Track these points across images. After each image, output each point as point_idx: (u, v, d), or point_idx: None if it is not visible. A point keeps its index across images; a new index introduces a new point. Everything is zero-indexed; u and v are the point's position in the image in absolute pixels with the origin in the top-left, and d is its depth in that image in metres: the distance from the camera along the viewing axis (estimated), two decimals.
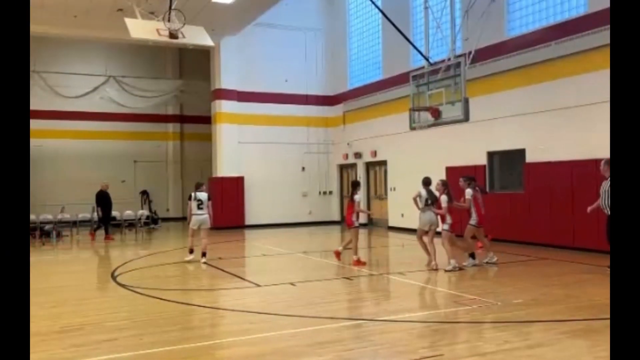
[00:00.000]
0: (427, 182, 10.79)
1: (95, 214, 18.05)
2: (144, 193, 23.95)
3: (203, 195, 12.04)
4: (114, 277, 10.02)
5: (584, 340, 5.70)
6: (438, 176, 16.15)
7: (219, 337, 6.35)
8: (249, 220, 20.58)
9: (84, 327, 6.46)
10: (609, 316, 6.49)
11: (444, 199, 10.37)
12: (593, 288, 8.31)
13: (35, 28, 18.03)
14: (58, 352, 5.44)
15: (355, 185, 11.61)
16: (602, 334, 5.84)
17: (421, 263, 10.70)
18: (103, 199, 17.54)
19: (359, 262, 10.80)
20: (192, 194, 12.13)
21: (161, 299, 8.03)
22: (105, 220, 17.51)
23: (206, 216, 11.99)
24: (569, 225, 12.39)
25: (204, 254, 11.84)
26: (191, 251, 12.03)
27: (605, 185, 9.26)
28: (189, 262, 11.79)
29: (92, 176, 22.03)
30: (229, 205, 20.27)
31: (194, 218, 11.97)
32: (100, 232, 17.42)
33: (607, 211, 9.11)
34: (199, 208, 11.95)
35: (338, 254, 11.37)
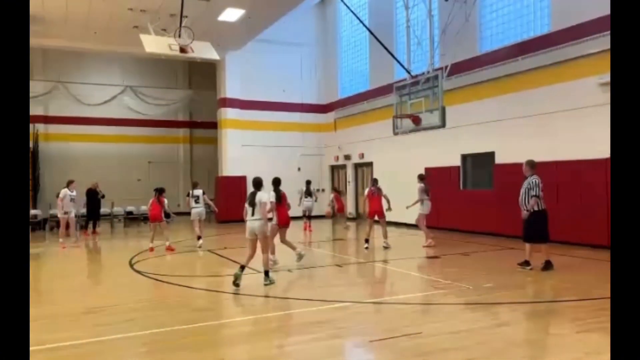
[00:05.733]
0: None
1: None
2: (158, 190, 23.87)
3: (199, 192, 12.85)
4: (131, 265, 10.02)
5: (544, 319, 5.78)
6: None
7: (224, 317, 6.38)
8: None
9: (105, 309, 6.47)
10: (567, 299, 6.60)
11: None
12: (553, 275, 8.40)
13: (58, 43, 18.04)
14: (82, 331, 5.46)
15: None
16: (560, 314, 5.93)
17: (403, 252, 10.77)
18: (91, 197, 17.12)
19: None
20: (190, 192, 13.02)
21: (173, 284, 8.06)
22: (92, 217, 17.17)
23: (202, 209, 12.89)
24: None
25: (199, 237, 12.69)
26: (199, 238, 12.68)
27: (525, 185, 8.72)
28: (200, 247, 12.39)
29: (111, 175, 21.98)
30: (233, 202, 20.16)
31: (193, 211, 12.78)
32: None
33: (524, 209, 8.64)
34: (196, 202, 12.79)
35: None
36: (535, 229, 8.60)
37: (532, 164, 8.87)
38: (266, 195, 8.13)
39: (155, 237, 12.33)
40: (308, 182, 16.93)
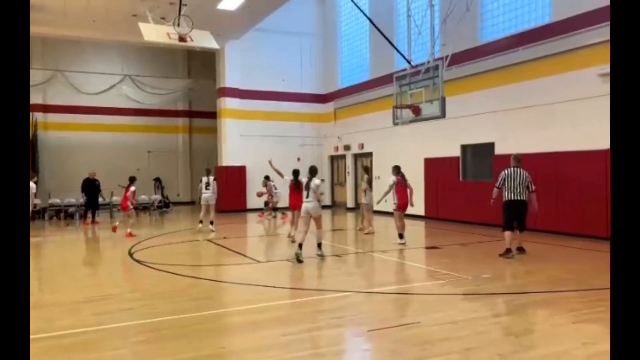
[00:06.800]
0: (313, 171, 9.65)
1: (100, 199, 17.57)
2: (157, 180, 23.90)
3: (209, 179, 13.82)
4: (130, 254, 10.05)
5: (541, 310, 5.81)
6: (418, 166, 16.33)
7: (224, 306, 6.39)
8: (250, 205, 20.59)
9: (104, 298, 6.50)
10: (564, 289, 6.63)
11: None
12: (551, 265, 8.44)
13: (57, 31, 17.94)
14: (81, 320, 5.48)
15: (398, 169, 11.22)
16: (557, 304, 5.96)
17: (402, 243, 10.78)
18: (89, 186, 17.07)
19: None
20: (203, 178, 13.95)
21: (172, 273, 8.07)
22: (91, 206, 17.08)
23: (211, 194, 13.67)
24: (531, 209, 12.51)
25: (211, 222, 13.61)
26: (201, 222, 13.69)
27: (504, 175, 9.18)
28: (199, 230, 13.50)
29: (110, 165, 21.92)
30: (232, 191, 20.31)
31: (202, 196, 13.71)
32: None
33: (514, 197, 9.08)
34: (206, 188, 13.73)
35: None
36: (503, 218, 9.24)
37: (514, 157, 9.32)
38: (318, 181, 9.33)
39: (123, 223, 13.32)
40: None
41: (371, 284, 7.59)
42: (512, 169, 9.12)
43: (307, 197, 9.23)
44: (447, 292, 6.61)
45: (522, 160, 9.38)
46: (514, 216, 9.12)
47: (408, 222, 14.84)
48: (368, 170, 13.45)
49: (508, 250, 9.03)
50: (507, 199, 9.09)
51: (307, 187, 9.22)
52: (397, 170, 11.16)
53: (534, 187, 9.16)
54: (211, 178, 13.83)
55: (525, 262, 8.72)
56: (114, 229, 13.34)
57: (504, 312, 5.73)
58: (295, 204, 11.22)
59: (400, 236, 10.88)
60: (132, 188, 13.24)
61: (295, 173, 11.56)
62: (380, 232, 13.31)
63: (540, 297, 6.27)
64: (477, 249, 10.48)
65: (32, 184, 13.47)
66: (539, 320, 5.44)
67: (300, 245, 8.96)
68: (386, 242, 11.15)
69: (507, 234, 9.10)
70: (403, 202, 10.97)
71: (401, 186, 10.97)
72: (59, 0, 14.84)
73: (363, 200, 12.99)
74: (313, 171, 9.45)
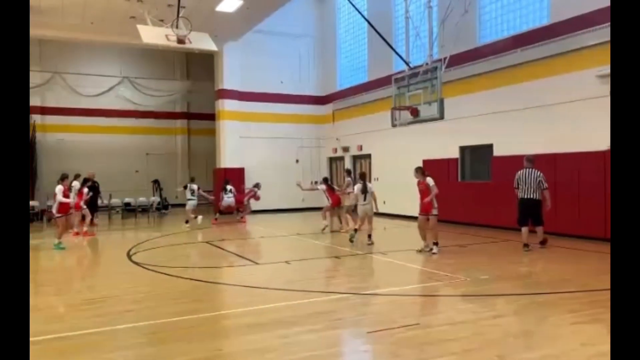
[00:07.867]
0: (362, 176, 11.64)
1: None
2: (155, 182, 23.85)
3: (194, 186, 15.67)
4: (129, 256, 10.03)
5: (540, 311, 5.82)
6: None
7: (223, 308, 6.40)
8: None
9: (105, 300, 6.50)
10: (562, 290, 6.64)
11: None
12: (550, 266, 8.45)
13: (55, 33, 17.91)
14: (82, 322, 5.48)
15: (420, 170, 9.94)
16: (556, 305, 5.98)
17: (400, 244, 10.79)
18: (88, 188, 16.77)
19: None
20: (187, 185, 15.80)
21: (171, 275, 8.07)
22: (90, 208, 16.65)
23: (196, 201, 15.68)
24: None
25: (195, 217, 15.53)
26: (191, 219, 15.44)
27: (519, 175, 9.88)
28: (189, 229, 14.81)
29: (108, 167, 21.87)
30: None
31: (189, 202, 15.58)
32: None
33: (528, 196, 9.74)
34: (192, 195, 15.58)
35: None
36: (517, 215, 9.95)
37: (526, 159, 9.94)
38: (370, 185, 11.11)
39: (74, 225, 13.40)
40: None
41: (370, 285, 7.59)
42: (525, 170, 9.76)
43: (365, 200, 10.82)
44: (446, 294, 6.62)
45: (534, 160, 9.91)
46: (527, 214, 9.75)
47: (407, 223, 14.92)
48: (350, 172, 15.14)
49: (525, 245, 9.68)
50: (519, 197, 9.79)
51: (364, 191, 10.81)
52: (422, 171, 9.82)
53: (546, 185, 9.67)
54: (195, 186, 15.68)
55: (524, 263, 8.75)
56: (85, 234, 13.64)
57: (503, 313, 5.74)
58: (335, 202, 13.80)
59: (436, 244, 9.73)
60: (85, 190, 13.90)
61: (326, 180, 14.66)
62: (379, 234, 13.29)
63: (539, 298, 6.28)
64: (475, 250, 10.48)
65: (76, 183, 13.97)
66: (538, 322, 5.45)
67: (355, 230, 11.16)
68: (385, 244, 11.15)
69: (523, 229, 9.76)
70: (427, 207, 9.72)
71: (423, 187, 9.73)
72: (56, 2, 14.84)
73: (346, 202, 13.87)
74: (364, 176, 11.41)
